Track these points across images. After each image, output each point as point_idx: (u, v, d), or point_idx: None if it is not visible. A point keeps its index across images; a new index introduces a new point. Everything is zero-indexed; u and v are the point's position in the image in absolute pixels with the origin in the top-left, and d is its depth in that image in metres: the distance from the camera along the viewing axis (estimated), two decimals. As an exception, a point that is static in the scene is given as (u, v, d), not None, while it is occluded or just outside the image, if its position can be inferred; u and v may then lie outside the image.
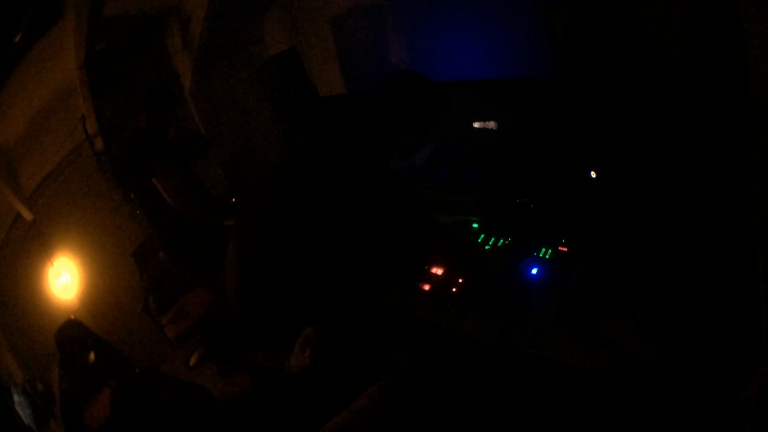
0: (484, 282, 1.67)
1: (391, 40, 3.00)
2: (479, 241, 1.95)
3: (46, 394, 2.53)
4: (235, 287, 1.62)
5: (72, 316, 2.72)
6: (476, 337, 1.47)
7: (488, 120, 2.07)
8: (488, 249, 1.89)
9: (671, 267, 1.45)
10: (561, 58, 1.56)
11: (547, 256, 1.74)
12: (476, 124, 2.14)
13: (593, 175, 1.65)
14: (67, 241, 3.28)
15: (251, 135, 3.74)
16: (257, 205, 1.72)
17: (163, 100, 2.98)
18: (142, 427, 1.87)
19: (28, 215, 3.22)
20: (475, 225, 2.02)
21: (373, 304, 1.80)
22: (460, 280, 1.73)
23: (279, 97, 2.91)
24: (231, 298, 1.65)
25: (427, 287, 1.77)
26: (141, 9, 3.38)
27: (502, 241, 1.91)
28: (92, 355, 2.38)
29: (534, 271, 1.66)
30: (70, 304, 3.06)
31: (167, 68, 3.93)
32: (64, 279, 3.09)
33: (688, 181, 1.67)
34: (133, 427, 1.89)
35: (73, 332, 2.60)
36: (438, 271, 1.84)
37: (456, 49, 2.66)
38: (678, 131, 1.70)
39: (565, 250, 1.73)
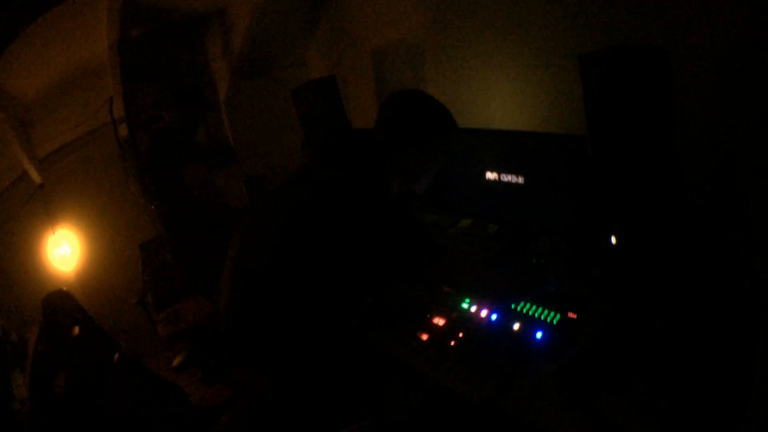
0: (484, 339, 1.57)
1: (428, 78, 3.04)
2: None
3: (18, 345, 2.49)
4: (225, 302, 1.57)
5: (64, 288, 2.66)
6: (468, 394, 1.37)
7: (515, 172, 2.02)
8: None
9: (678, 341, 1.32)
10: (591, 108, 1.49)
11: (554, 322, 1.63)
12: (503, 176, 2.09)
13: (613, 240, 1.55)
14: (74, 216, 3.25)
15: (277, 155, 3.72)
16: (255, 220, 1.66)
17: (194, 102, 2.96)
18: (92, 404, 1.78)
19: (36, 178, 3.17)
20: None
21: (368, 346, 1.72)
22: (460, 334, 1.63)
23: (311, 123, 2.95)
24: (221, 312, 1.59)
25: (425, 337, 1.67)
26: (186, 2, 3.40)
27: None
28: (77, 330, 2.33)
29: (539, 335, 1.56)
30: (65, 275, 3.11)
31: (205, 72, 3.81)
32: (63, 250, 3.10)
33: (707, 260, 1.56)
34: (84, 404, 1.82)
35: (62, 302, 2.54)
36: (439, 321, 1.75)
37: (490, 97, 2.64)
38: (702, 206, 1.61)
39: (575, 316, 1.62)
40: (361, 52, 3.16)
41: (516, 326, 1.60)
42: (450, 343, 1.59)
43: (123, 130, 3.44)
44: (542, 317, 1.63)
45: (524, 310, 1.67)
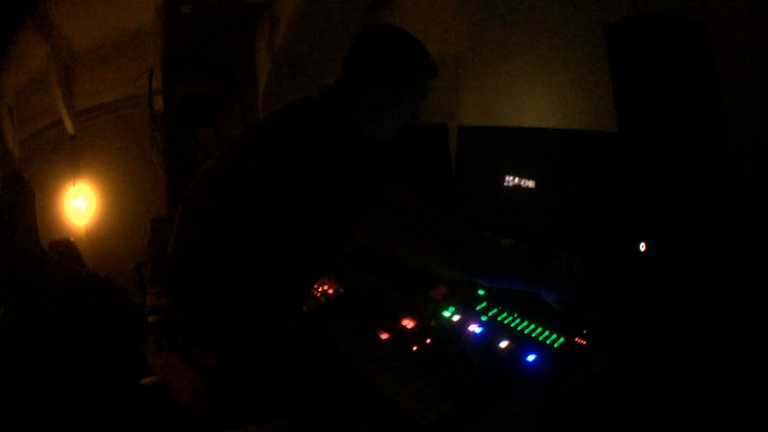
0: (455, 351, 1.15)
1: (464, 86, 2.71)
2: (478, 308, 1.44)
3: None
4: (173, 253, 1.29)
5: (72, 238, 2.64)
6: (411, 411, 0.94)
7: (535, 176, 1.63)
8: (484, 320, 1.36)
9: (717, 383, 0.86)
10: (619, 87, 1.12)
11: (556, 345, 1.19)
12: (523, 181, 1.70)
13: (642, 248, 1.12)
14: (96, 174, 3.18)
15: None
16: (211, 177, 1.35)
17: (224, 78, 2.83)
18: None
19: (70, 128, 3.11)
20: (481, 291, 1.51)
21: (321, 337, 1.34)
22: (428, 341, 1.21)
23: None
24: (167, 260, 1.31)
25: (384, 336, 1.27)
26: None
27: (504, 315, 1.38)
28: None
29: (530, 357, 1.12)
30: (76, 228, 3.01)
31: (249, 65, 3.63)
32: (79, 203, 3.04)
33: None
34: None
35: (66, 251, 2.48)
36: (408, 324, 1.34)
37: (525, 99, 2.26)
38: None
39: (584, 343, 1.17)
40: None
41: (503, 344, 1.17)
42: (412, 348, 1.17)
43: (158, 103, 3.35)
44: (540, 338, 1.19)
45: (518, 327, 1.23)
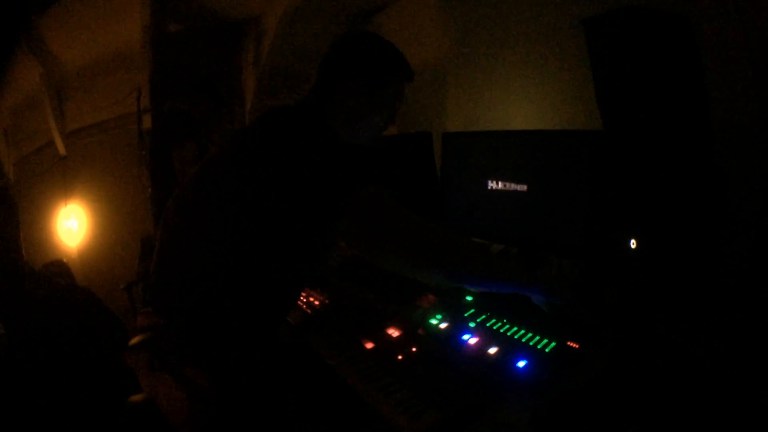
0: (442, 358, 1.09)
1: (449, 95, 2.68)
2: (466, 315, 1.38)
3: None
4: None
5: (65, 259, 2.65)
6: (396, 423, 0.88)
7: (521, 179, 1.58)
8: (473, 326, 1.31)
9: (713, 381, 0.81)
10: (601, 83, 1.09)
11: (547, 350, 1.14)
12: (508, 185, 1.66)
13: (633, 244, 1.08)
14: (88, 194, 3.18)
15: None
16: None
17: (207, 94, 2.85)
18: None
19: (62, 149, 3.12)
20: (469, 298, 1.46)
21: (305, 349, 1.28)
22: (413, 349, 1.15)
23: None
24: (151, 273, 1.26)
25: (369, 345, 1.21)
26: (221, 4, 3.27)
27: (494, 321, 1.33)
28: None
29: (521, 363, 1.07)
30: (68, 248, 2.99)
31: (236, 82, 3.66)
32: (71, 223, 3.04)
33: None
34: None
35: (60, 271, 2.53)
36: (394, 333, 1.28)
37: (509, 103, 2.22)
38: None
39: (576, 346, 1.12)
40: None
41: (493, 350, 1.12)
42: (397, 357, 1.11)
43: (147, 122, 3.36)
44: (531, 342, 1.14)
45: (508, 332, 1.18)
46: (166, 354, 1.23)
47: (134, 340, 1.33)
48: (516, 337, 1.19)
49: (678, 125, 1.03)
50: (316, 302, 1.56)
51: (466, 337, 1.21)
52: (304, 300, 1.59)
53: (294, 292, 1.35)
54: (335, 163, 1.07)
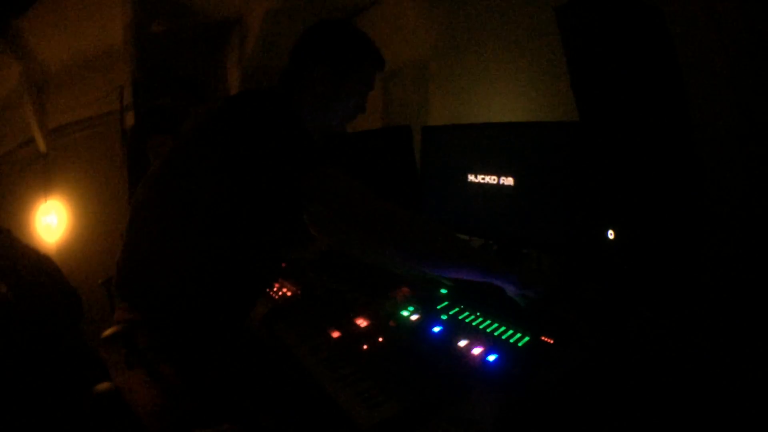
0: (407, 349, 1.02)
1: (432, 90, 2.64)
2: (439, 308, 1.31)
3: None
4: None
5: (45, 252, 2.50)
6: (352, 413, 0.81)
7: (501, 172, 1.53)
8: (445, 318, 1.24)
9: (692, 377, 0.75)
10: (576, 70, 1.04)
11: (520, 344, 1.07)
12: (488, 178, 1.60)
13: (611, 235, 1.02)
14: (68, 190, 3.06)
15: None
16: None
17: (189, 90, 2.83)
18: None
19: (42, 146, 3.01)
20: (443, 291, 1.40)
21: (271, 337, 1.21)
22: (380, 339, 1.08)
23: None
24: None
25: (336, 335, 1.14)
26: (207, 6, 3.15)
27: (467, 314, 1.26)
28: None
29: (492, 357, 1.00)
30: (47, 245, 2.85)
31: (221, 82, 3.64)
32: (50, 219, 2.92)
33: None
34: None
35: (43, 266, 2.44)
36: (362, 323, 1.21)
37: (491, 98, 2.18)
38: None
39: (550, 342, 1.06)
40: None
41: (462, 343, 1.05)
42: (362, 347, 1.04)
43: (129, 119, 3.26)
44: (504, 336, 1.07)
45: (480, 326, 1.12)
46: (142, 350, 1.18)
47: (107, 332, 1.27)
48: (488, 330, 1.13)
49: (655, 116, 0.98)
50: (288, 293, 1.49)
51: (436, 329, 1.14)
52: (277, 291, 1.52)
53: (261, 278, 1.28)
54: (293, 145, 1.02)
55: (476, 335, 1.10)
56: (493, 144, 1.60)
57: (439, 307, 1.25)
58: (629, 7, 1.03)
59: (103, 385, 1.23)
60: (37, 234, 2.96)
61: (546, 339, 1.07)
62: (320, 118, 1.23)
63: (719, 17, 1.16)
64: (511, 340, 1.08)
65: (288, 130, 1.02)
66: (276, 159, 1.00)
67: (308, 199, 1.02)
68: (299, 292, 1.47)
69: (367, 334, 1.10)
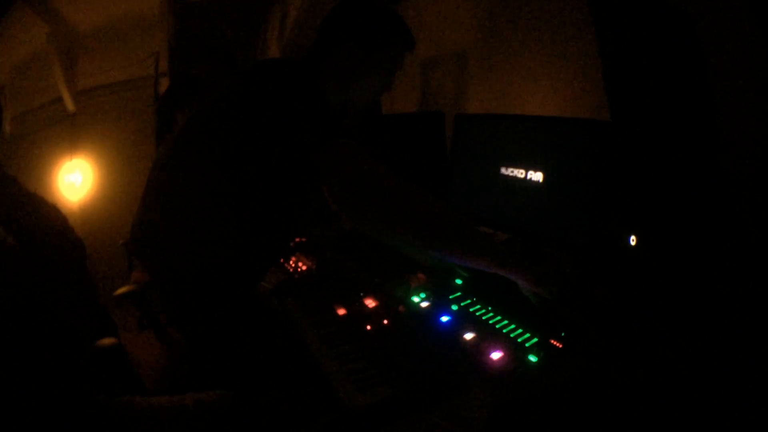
0: (411, 335, 0.99)
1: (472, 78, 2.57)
2: (451, 297, 1.28)
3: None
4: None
5: (63, 212, 2.66)
6: (342, 394, 0.79)
7: (534, 166, 1.47)
8: (455, 309, 1.21)
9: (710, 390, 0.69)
10: (611, 70, 0.97)
11: (528, 344, 1.03)
12: (520, 172, 1.54)
13: (633, 241, 0.96)
14: (94, 151, 3.07)
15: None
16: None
17: (224, 61, 2.73)
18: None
19: (70, 106, 3.03)
20: (458, 281, 1.36)
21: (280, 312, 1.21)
22: (385, 321, 1.06)
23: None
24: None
25: (342, 312, 1.12)
26: None
27: (478, 307, 1.22)
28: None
29: (496, 355, 0.96)
30: (69, 203, 2.87)
31: (258, 50, 3.69)
32: (74, 177, 2.92)
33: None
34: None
35: (62, 225, 2.52)
36: (370, 303, 1.19)
37: (531, 90, 2.09)
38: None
39: (559, 346, 1.01)
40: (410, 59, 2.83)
41: (469, 336, 1.02)
42: (366, 327, 1.02)
43: (164, 86, 3.30)
44: (512, 335, 1.03)
45: (490, 321, 1.08)
46: (154, 312, 1.20)
47: (120, 290, 1.30)
48: (497, 326, 1.09)
49: (684, 122, 0.91)
50: (304, 267, 1.49)
51: (444, 318, 1.11)
52: (293, 264, 1.52)
53: (274, 247, 1.28)
54: (309, 116, 1.00)
55: (484, 330, 1.07)
56: (525, 137, 1.54)
57: (451, 297, 1.22)
58: (660, 11, 0.96)
59: (108, 340, 1.26)
60: (58, 192, 2.98)
61: (555, 343, 1.03)
62: (343, 94, 1.21)
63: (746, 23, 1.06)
64: (519, 340, 1.03)
65: (306, 102, 1.00)
66: (291, 128, 0.98)
67: (323, 172, 1.00)
68: (314, 267, 1.46)
69: (372, 315, 1.08)
